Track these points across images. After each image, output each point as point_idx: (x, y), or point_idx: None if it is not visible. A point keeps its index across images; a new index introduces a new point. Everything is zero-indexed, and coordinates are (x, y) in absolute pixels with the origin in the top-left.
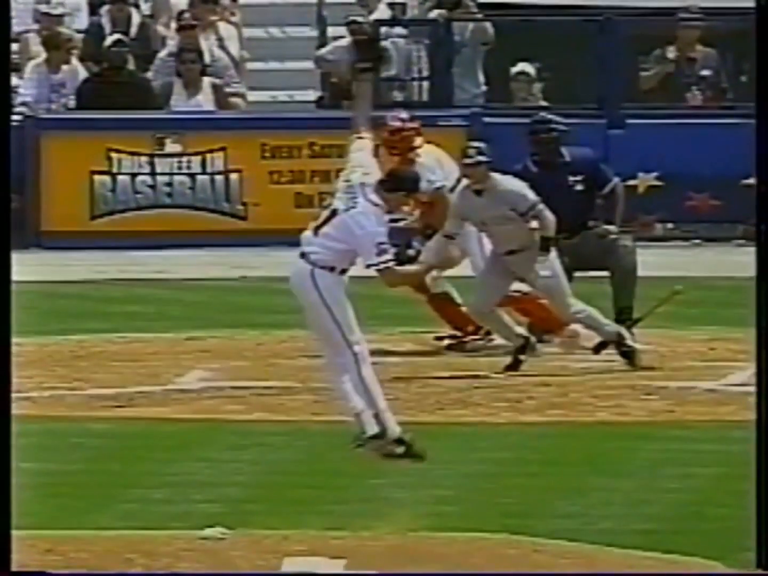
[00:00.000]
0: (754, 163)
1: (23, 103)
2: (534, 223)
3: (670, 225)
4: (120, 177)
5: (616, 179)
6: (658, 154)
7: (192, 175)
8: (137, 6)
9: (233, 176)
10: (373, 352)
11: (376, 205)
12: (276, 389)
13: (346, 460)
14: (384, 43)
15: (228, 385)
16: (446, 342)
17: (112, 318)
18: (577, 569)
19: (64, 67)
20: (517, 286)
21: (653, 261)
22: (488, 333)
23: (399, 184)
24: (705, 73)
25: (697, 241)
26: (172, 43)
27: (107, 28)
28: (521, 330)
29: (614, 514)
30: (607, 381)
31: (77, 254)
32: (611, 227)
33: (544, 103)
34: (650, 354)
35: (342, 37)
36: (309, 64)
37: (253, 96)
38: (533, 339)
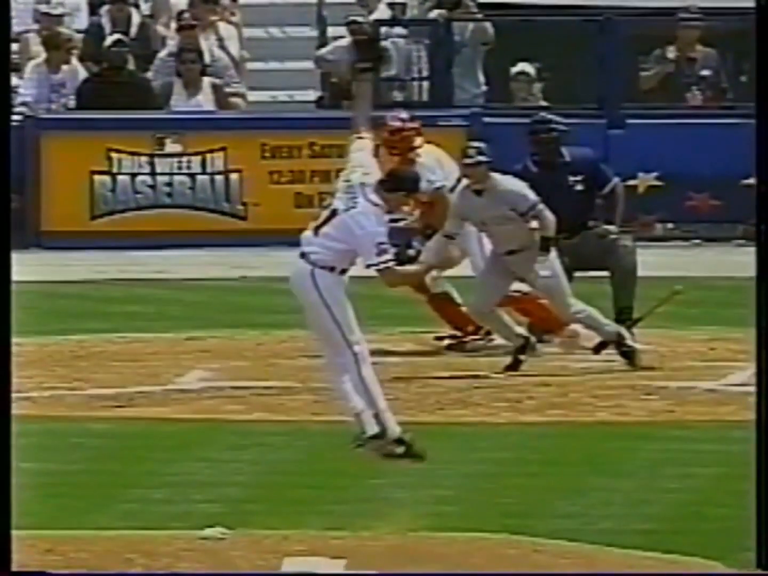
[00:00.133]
0: (754, 163)
1: (23, 103)
2: (534, 223)
3: (670, 225)
4: (120, 177)
5: (616, 179)
6: (658, 154)
7: (192, 175)
8: (137, 6)
9: (233, 176)
10: (373, 352)
11: (376, 205)
12: (276, 389)
13: (346, 460)
14: (384, 43)
15: (228, 385)
16: (446, 342)
17: (112, 318)
18: (577, 569)
19: (64, 67)
20: (517, 286)
21: (653, 261)
22: (488, 333)
23: (399, 184)
24: (705, 73)
25: (697, 241)
26: (172, 43)
27: (107, 28)
28: (521, 330)
29: (614, 514)
30: (607, 381)
31: (77, 254)
32: (611, 227)
33: (544, 103)
34: (650, 354)
35: (342, 37)
36: (309, 64)
37: (253, 96)
38: (533, 339)
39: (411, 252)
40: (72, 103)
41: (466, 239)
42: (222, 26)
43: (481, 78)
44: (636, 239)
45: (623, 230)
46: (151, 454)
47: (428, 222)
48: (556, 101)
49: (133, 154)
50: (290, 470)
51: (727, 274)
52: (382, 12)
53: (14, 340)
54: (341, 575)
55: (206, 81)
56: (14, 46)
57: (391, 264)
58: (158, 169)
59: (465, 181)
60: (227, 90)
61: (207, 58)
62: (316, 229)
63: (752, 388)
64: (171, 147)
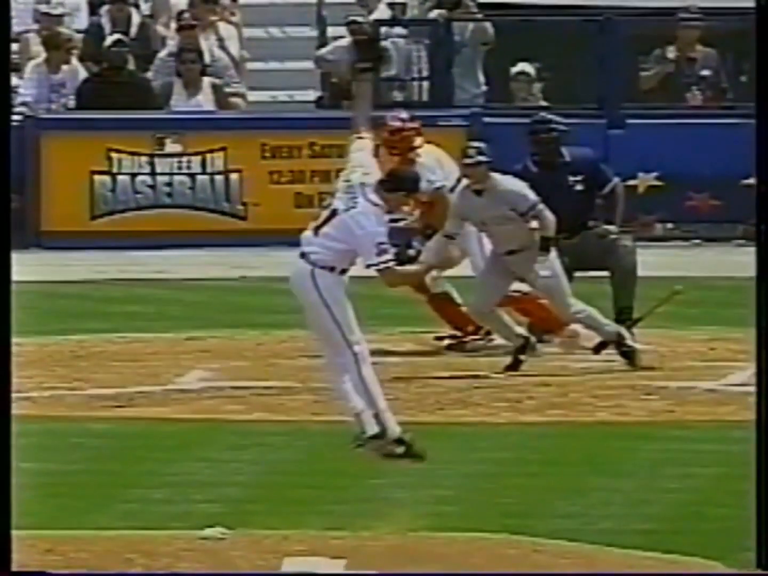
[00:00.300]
0: (754, 163)
1: (23, 103)
2: (534, 223)
3: (670, 225)
4: (120, 177)
5: (616, 179)
6: (658, 154)
7: (192, 175)
8: (137, 6)
9: (233, 176)
10: (373, 352)
11: (376, 205)
12: (276, 389)
13: (346, 460)
14: (384, 43)
15: (228, 385)
16: (446, 342)
17: (112, 318)
18: (577, 569)
19: (64, 67)
20: (516, 286)
21: (653, 261)
22: (488, 333)
23: (399, 184)
24: (705, 73)
25: (697, 241)
26: (172, 43)
27: (107, 28)
28: (521, 330)
29: (614, 514)
30: (607, 381)
31: (77, 254)
32: (611, 227)
33: (544, 103)
34: (650, 354)
35: (342, 37)
36: (309, 64)
37: (253, 96)
38: (533, 339)
39: (411, 252)
40: (72, 103)
41: (466, 239)
42: (222, 26)
43: (481, 78)
44: (636, 239)
45: (623, 230)
46: (151, 454)
47: (428, 222)
48: (556, 101)
49: (133, 154)
50: (290, 470)
51: (727, 274)
52: (382, 12)
53: (14, 340)
54: (341, 575)
55: (206, 81)
56: (14, 46)
57: (391, 264)
58: (158, 169)
59: (465, 181)
60: (227, 90)
61: (207, 58)
62: (316, 229)
63: (752, 388)
64: (171, 147)
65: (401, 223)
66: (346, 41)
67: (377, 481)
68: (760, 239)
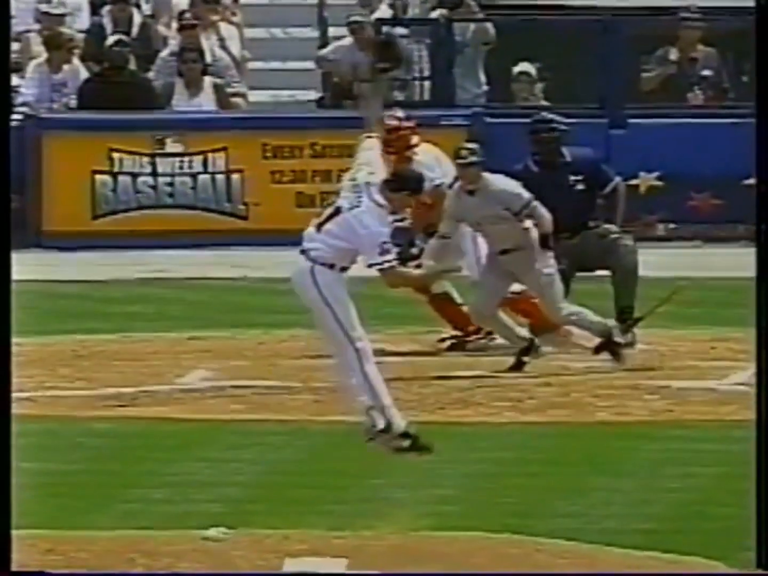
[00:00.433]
0: (754, 162)
1: (24, 103)
2: (527, 223)
3: (671, 225)
4: (121, 177)
5: (617, 179)
6: (659, 154)
7: (193, 175)
8: (138, 6)
9: (234, 176)
10: (375, 352)
11: (380, 205)
12: (277, 389)
13: (347, 460)
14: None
15: (229, 385)
16: (448, 343)
17: (114, 318)
18: (578, 569)
19: (66, 66)
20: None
21: (655, 261)
22: (490, 332)
23: (403, 184)
24: (706, 72)
25: (698, 241)
26: (173, 43)
27: (108, 28)
28: (524, 332)
29: (615, 514)
30: (608, 381)
31: (78, 254)
32: (612, 227)
33: (545, 103)
34: (651, 353)
35: (343, 37)
36: (310, 64)
37: (254, 96)
38: (537, 341)
39: (414, 251)
40: (73, 102)
41: (461, 240)
42: (223, 26)
43: (483, 78)
44: (637, 239)
45: (624, 230)
46: (152, 454)
47: (429, 220)
48: (558, 101)
49: (134, 153)
50: (291, 470)
51: (729, 274)
52: (384, 12)
53: (16, 339)
54: (343, 575)
55: (207, 81)
56: (16, 46)
57: (393, 264)
58: (159, 169)
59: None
60: (228, 90)
61: (208, 58)
62: (319, 226)
63: (752, 388)
64: (172, 147)
65: (405, 222)
66: (348, 41)
67: (378, 480)
68: (759, 239)
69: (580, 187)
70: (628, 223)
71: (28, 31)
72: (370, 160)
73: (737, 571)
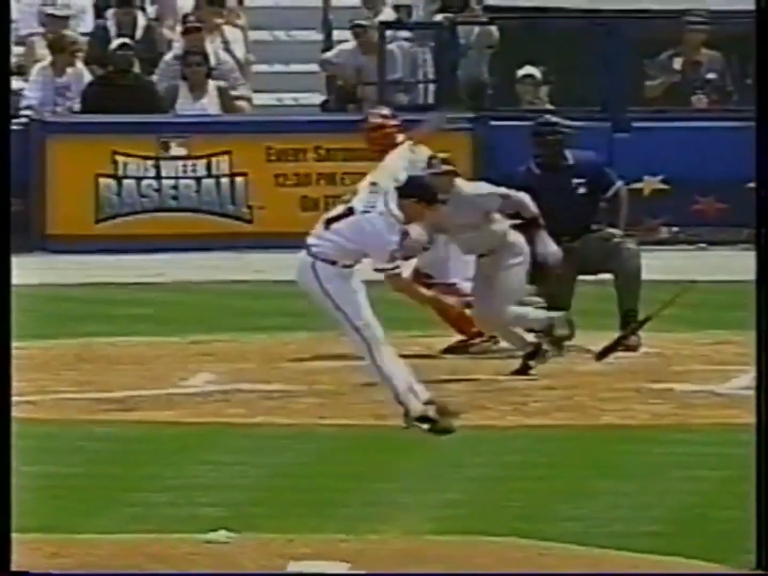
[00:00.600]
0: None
1: (28, 106)
2: (497, 225)
3: (675, 228)
4: (125, 180)
5: (619, 182)
6: (663, 158)
7: (197, 179)
8: (143, 9)
9: (238, 179)
10: None
11: (394, 215)
12: (281, 392)
13: (351, 464)
14: (389, 46)
15: (233, 388)
16: (452, 345)
17: (117, 321)
18: (583, 572)
19: (69, 70)
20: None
21: (659, 264)
22: (493, 335)
23: (413, 190)
24: (710, 76)
25: (702, 244)
26: (177, 46)
27: (113, 31)
28: (530, 337)
29: (620, 517)
30: (613, 384)
31: (82, 257)
32: (615, 230)
33: (549, 107)
34: (655, 357)
35: (347, 40)
36: (314, 67)
37: (258, 99)
38: (544, 346)
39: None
40: (77, 106)
41: (437, 247)
42: (227, 29)
43: (487, 81)
44: (642, 243)
45: (627, 234)
46: (156, 458)
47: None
48: (561, 104)
49: (138, 157)
50: (296, 473)
51: (733, 277)
52: (388, 15)
53: (18, 343)
54: None
55: (211, 84)
56: (19, 49)
57: (400, 270)
58: (163, 173)
59: None
60: (232, 93)
61: (212, 61)
62: (328, 222)
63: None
64: (176, 150)
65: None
66: (352, 44)
67: (383, 484)
68: (760, 242)
69: (582, 190)
70: (632, 226)
71: (32, 35)
72: (396, 167)
73: (741, 572)
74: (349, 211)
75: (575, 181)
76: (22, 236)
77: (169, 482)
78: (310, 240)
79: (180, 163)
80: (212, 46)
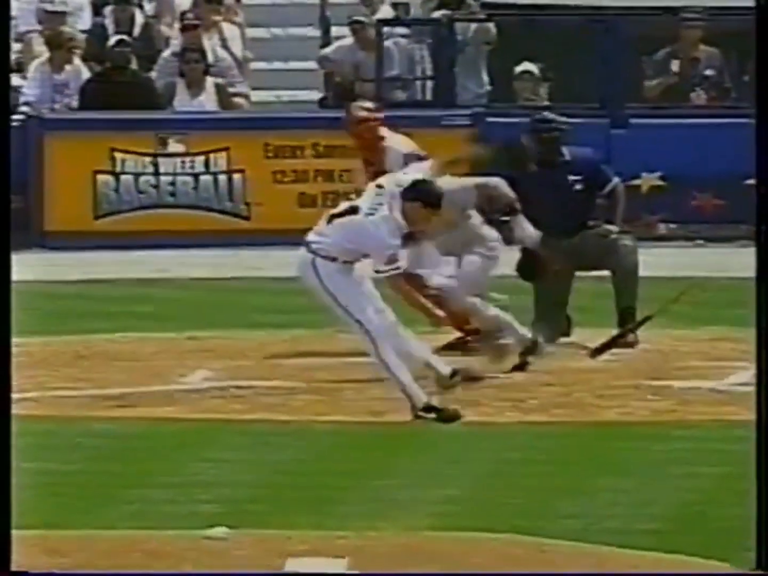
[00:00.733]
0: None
1: (26, 103)
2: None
3: (673, 225)
4: (123, 177)
5: (616, 179)
6: (661, 154)
7: (195, 175)
8: (140, 6)
9: (236, 176)
10: None
11: (397, 220)
12: (279, 389)
13: (349, 461)
14: (387, 43)
15: (231, 385)
16: (451, 342)
17: (116, 318)
18: (582, 569)
19: (67, 66)
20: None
21: (657, 261)
22: None
23: (416, 193)
24: (708, 72)
25: (700, 241)
26: (175, 43)
27: (110, 28)
28: (527, 332)
29: (619, 514)
30: (611, 381)
31: (81, 254)
32: (612, 227)
33: (546, 103)
34: (653, 354)
35: (345, 36)
36: (312, 64)
37: (256, 96)
38: (541, 341)
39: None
40: (75, 103)
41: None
42: (225, 26)
43: (485, 77)
44: (639, 239)
45: (624, 230)
46: (154, 454)
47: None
48: (559, 101)
49: (136, 154)
50: (294, 470)
51: (731, 274)
52: (385, 12)
53: (18, 340)
54: (345, 575)
55: (209, 81)
56: (18, 46)
57: (399, 272)
58: (161, 169)
59: None
60: (230, 90)
61: (210, 58)
62: (331, 217)
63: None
64: (174, 147)
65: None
66: (350, 41)
67: (381, 481)
68: (759, 239)
69: (578, 186)
70: (630, 223)
71: (30, 32)
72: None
73: (741, 572)
74: (354, 210)
75: (572, 177)
76: (21, 233)
77: (167, 479)
78: (310, 237)
79: (178, 159)
80: (210, 43)
